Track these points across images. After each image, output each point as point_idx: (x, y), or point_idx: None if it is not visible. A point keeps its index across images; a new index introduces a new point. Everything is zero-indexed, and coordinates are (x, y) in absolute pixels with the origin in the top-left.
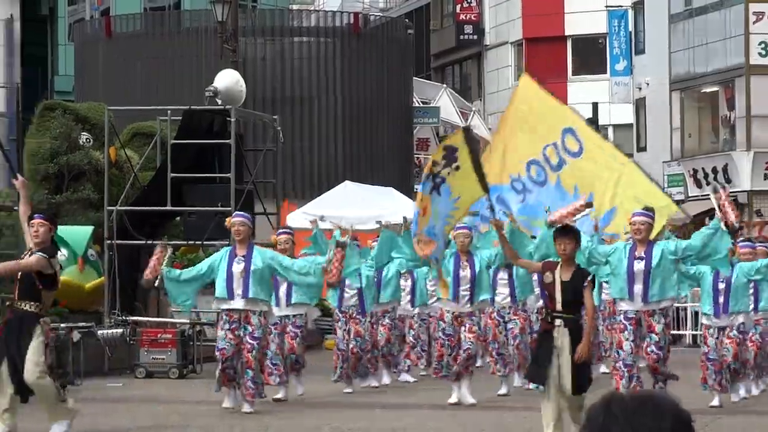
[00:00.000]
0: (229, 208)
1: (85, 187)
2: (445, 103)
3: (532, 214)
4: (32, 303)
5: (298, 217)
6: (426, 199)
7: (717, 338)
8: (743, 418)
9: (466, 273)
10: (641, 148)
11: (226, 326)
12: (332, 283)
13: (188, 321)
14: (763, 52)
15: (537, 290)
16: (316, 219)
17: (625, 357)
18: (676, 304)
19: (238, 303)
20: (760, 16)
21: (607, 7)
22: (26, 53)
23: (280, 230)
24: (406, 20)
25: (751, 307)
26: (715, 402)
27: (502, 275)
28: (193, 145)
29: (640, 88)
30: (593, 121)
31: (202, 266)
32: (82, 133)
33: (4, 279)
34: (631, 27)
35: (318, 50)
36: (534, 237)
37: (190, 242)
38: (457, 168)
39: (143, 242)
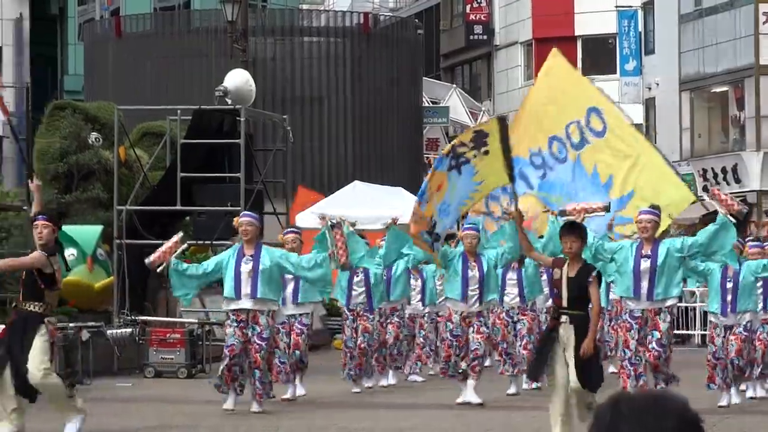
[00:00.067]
0: (239, 208)
1: (95, 187)
2: (455, 103)
3: (552, 191)
4: (36, 303)
5: (306, 217)
6: (441, 176)
7: (724, 337)
8: (751, 418)
9: (474, 273)
10: None
11: (235, 325)
12: (344, 264)
13: (197, 321)
14: None
15: (546, 290)
16: (326, 216)
17: (631, 356)
18: (685, 304)
19: (246, 303)
20: None
21: (616, 7)
22: (36, 53)
23: (288, 230)
24: (416, 20)
25: (760, 306)
26: (724, 402)
27: (511, 275)
28: (203, 145)
29: (649, 88)
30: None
31: (209, 264)
32: (91, 133)
33: (12, 280)
34: (640, 27)
35: (328, 50)
36: (540, 237)
37: (199, 242)
38: (486, 153)
39: (153, 242)
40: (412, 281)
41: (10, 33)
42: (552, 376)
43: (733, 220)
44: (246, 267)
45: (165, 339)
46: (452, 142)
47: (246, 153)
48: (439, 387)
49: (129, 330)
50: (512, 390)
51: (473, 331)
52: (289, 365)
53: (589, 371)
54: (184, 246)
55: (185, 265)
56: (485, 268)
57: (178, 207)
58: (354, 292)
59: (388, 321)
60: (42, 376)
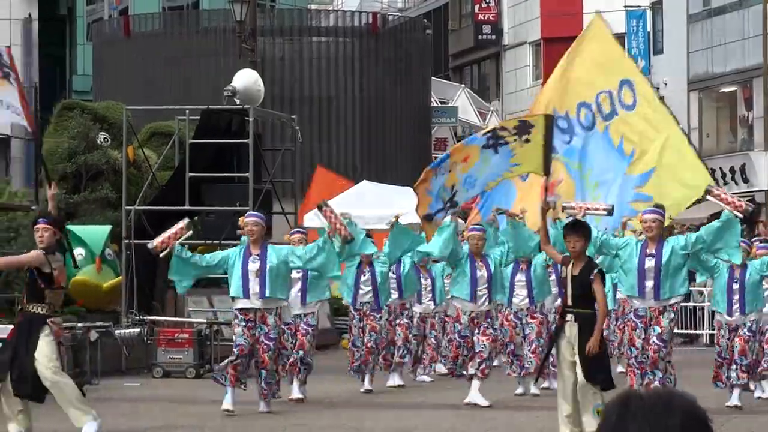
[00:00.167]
0: (248, 208)
1: (103, 187)
2: (463, 103)
3: (575, 158)
4: (39, 305)
5: (314, 217)
6: (471, 150)
7: (729, 339)
8: (760, 417)
9: (483, 273)
10: None
11: (243, 324)
12: (345, 237)
13: (205, 321)
14: None
15: (554, 290)
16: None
17: (637, 354)
18: (693, 304)
19: (254, 302)
20: None
21: (625, 7)
22: (44, 53)
23: (294, 230)
24: (425, 20)
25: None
26: (732, 402)
27: (520, 277)
28: (212, 145)
29: (658, 88)
30: None
31: (214, 257)
32: (100, 133)
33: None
34: (649, 27)
35: (336, 50)
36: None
37: (207, 242)
38: (527, 141)
39: None
40: (423, 281)
41: (19, 33)
42: (560, 377)
43: (740, 216)
44: (253, 266)
45: (173, 339)
46: (494, 126)
47: (254, 153)
48: (445, 387)
49: (137, 330)
50: (519, 390)
51: (479, 333)
52: (288, 364)
53: (595, 366)
54: (190, 233)
55: (189, 253)
56: (492, 268)
57: (187, 207)
58: (361, 291)
59: (397, 321)
60: (52, 376)
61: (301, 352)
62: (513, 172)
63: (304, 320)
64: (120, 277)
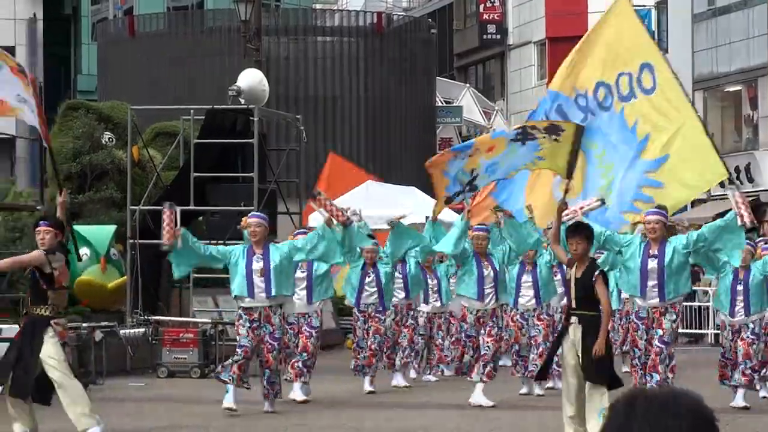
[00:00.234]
0: (252, 208)
1: (108, 187)
2: (468, 102)
3: (591, 137)
4: (43, 306)
5: (319, 217)
6: (498, 141)
7: (732, 340)
8: (765, 417)
9: (489, 272)
10: None
11: (247, 324)
12: (344, 222)
13: (210, 321)
14: None
15: (559, 290)
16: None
17: (640, 355)
18: (698, 303)
19: (259, 301)
20: None
21: None
22: (49, 53)
23: (298, 230)
24: (429, 20)
25: None
26: (738, 403)
27: (526, 278)
28: (216, 145)
29: None
30: None
31: (219, 249)
32: (104, 133)
33: (23, 280)
34: (654, 26)
35: (341, 50)
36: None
37: (212, 241)
38: (556, 141)
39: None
40: (429, 281)
41: (24, 33)
42: (564, 379)
43: (742, 224)
44: (257, 265)
45: (178, 339)
46: (524, 123)
47: (259, 153)
48: (450, 387)
49: (142, 330)
50: (524, 390)
51: (484, 333)
52: (290, 367)
53: (598, 367)
54: (177, 210)
55: (194, 239)
56: (497, 266)
57: (192, 207)
58: (366, 293)
59: (404, 322)
60: (61, 378)
61: (304, 355)
62: (536, 165)
63: (307, 321)
64: (125, 277)
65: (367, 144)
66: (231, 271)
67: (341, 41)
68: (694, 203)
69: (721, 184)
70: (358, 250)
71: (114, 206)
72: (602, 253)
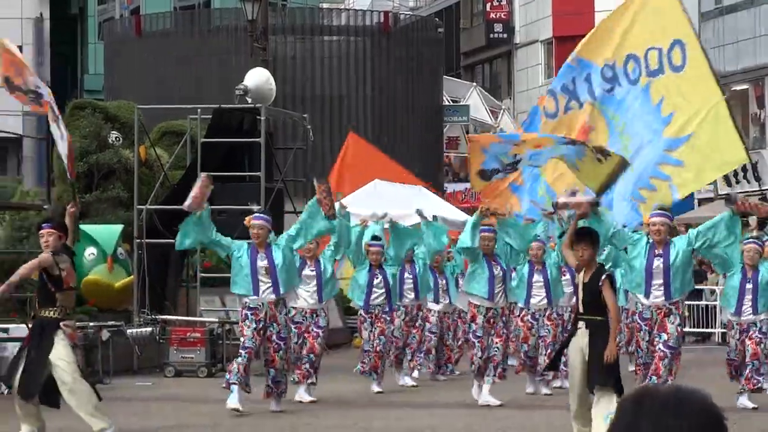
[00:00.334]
0: (260, 207)
1: (115, 186)
2: (475, 101)
3: (613, 106)
4: (51, 309)
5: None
6: (547, 140)
7: (738, 339)
8: None
9: (498, 271)
10: None
11: (253, 325)
12: (328, 215)
13: (217, 320)
14: None
15: (566, 290)
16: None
17: (643, 355)
18: (705, 302)
19: (265, 299)
20: None
21: None
22: (56, 52)
23: None
24: (436, 19)
25: None
26: (745, 404)
27: (537, 278)
28: (223, 144)
29: None
30: None
31: (226, 238)
32: (111, 132)
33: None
34: None
35: (348, 49)
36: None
37: None
38: (599, 161)
39: (173, 241)
40: (439, 281)
41: (31, 32)
42: (570, 380)
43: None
44: (262, 263)
45: (185, 338)
46: (574, 137)
47: (266, 152)
48: (458, 386)
49: (149, 329)
50: (530, 389)
51: (493, 334)
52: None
53: (606, 371)
54: (212, 187)
55: (209, 221)
56: (505, 266)
57: None
58: (374, 294)
59: (414, 323)
60: (71, 382)
61: (312, 356)
62: (573, 167)
63: (315, 321)
64: (132, 277)
65: (373, 143)
66: (233, 268)
67: (348, 40)
68: (701, 202)
69: (729, 183)
70: (364, 252)
71: (121, 206)
72: (604, 251)
